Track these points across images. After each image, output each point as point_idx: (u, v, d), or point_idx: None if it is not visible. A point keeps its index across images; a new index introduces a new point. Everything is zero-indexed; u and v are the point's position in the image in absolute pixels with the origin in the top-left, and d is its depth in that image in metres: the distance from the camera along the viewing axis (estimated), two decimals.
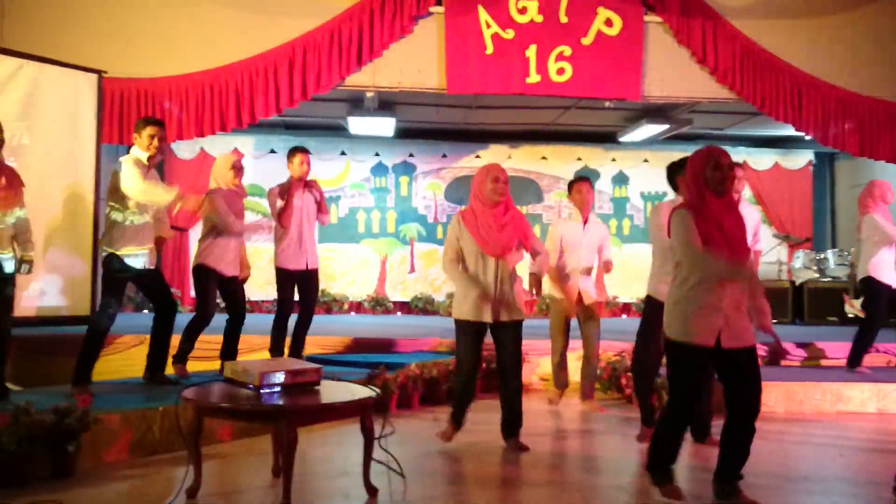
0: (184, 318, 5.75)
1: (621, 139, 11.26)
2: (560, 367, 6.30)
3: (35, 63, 6.32)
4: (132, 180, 4.99)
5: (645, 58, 8.10)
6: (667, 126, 10.04)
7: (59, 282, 6.39)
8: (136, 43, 7.49)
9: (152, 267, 5.30)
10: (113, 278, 5.11)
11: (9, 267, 4.81)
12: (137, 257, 5.14)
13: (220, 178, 5.75)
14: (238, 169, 5.77)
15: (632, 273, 11.57)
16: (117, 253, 5.07)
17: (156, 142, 5.16)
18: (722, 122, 10.82)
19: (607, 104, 8.79)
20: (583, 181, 6.31)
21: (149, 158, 5.19)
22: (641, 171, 12.01)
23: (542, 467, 4.51)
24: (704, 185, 3.55)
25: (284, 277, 6.16)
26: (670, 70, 8.16)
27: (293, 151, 6.23)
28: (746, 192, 8.68)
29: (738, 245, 3.54)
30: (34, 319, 6.24)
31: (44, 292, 6.31)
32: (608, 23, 7.99)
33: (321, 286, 11.06)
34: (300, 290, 6.27)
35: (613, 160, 12.00)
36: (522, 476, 4.34)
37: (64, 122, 6.46)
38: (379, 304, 11.40)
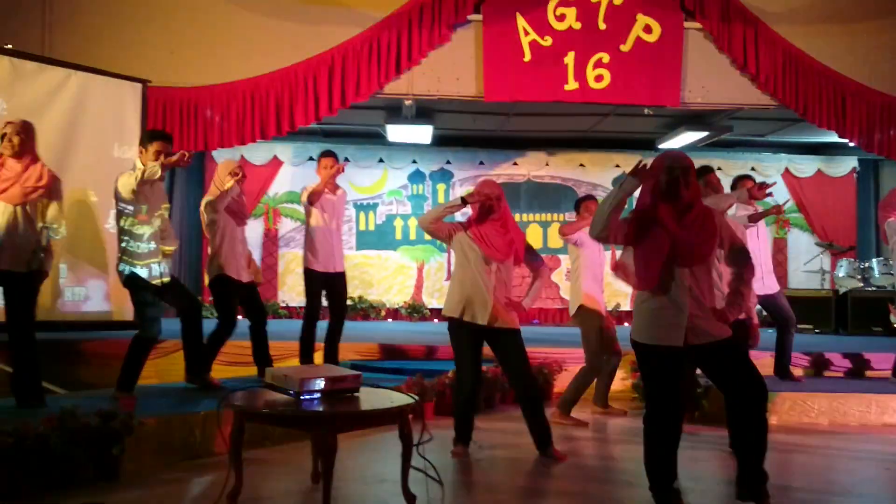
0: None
1: (660, 146, 11.17)
2: (586, 387, 6.05)
3: (82, 73, 6.48)
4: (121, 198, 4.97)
5: (684, 64, 8.04)
6: (706, 133, 9.95)
7: (104, 287, 6.51)
8: (179, 53, 7.64)
9: (166, 279, 5.21)
10: (137, 289, 5.09)
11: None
12: (148, 267, 5.08)
13: (219, 184, 5.65)
14: (235, 175, 5.59)
15: None
16: (128, 264, 5.05)
17: (162, 158, 4.93)
18: (763, 128, 10.69)
19: (646, 111, 8.74)
20: (587, 199, 6.21)
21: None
22: None
23: (579, 478, 4.48)
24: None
25: (312, 278, 6.20)
26: (710, 76, 8.10)
27: (320, 156, 6.30)
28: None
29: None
30: (79, 324, 6.35)
31: (88, 297, 6.43)
32: (647, 29, 7.95)
33: (358, 293, 11.23)
34: (328, 293, 6.29)
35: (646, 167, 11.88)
36: (558, 487, 4.31)
37: (110, 129, 6.61)
38: (416, 311, 11.43)
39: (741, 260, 3.68)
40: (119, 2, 7.63)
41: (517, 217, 11.66)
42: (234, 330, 5.74)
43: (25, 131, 4.68)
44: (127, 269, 5.02)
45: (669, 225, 3.51)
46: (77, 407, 4.08)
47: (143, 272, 5.05)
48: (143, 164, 4.96)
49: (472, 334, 4.71)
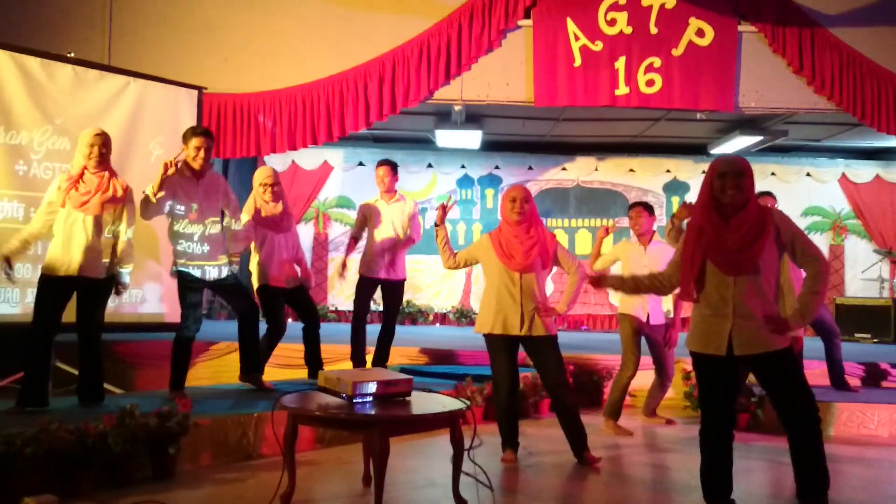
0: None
1: (712, 151, 11.01)
2: (624, 388, 5.94)
3: (141, 80, 6.62)
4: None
5: (738, 68, 7.92)
6: (761, 138, 9.78)
7: (159, 289, 6.64)
8: (233, 60, 7.78)
9: (226, 276, 5.30)
10: (186, 289, 5.18)
11: (122, 276, 4.99)
12: (206, 268, 5.19)
13: (256, 195, 5.77)
14: (267, 186, 5.69)
15: None
16: (185, 265, 5.14)
17: (202, 153, 5.05)
18: (819, 133, 10.48)
19: (699, 115, 8.62)
20: (633, 207, 6.14)
21: (196, 170, 5.12)
22: None
23: (624, 486, 4.44)
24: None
25: (362, 285, 6.26)
26: (765, 80, 7.96)
27: (377, 164, 6.39)
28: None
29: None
30: (135, 326, 6.49)
31: (144, 299, 6.56)
32: (700, 33, 7.85)
33: (406, 297, 11.26)
34: (383, 299, 6.37)
35: (704, 172, 11.67)
36: (603, 493, 4.28)
37: (166, 135, 6.73)
38: (464, 316, 11.44)
39: (808, 265, 3.46)
40: (177, 12, 7.81)
41: (565, 222, 11.62)
42: (281, 336, 5.85)
43: (108, 144, 4.83)
44: (174, 268, 5.16)
45: (710, 231, 3.46)
46: (135, 407, 4.17)
47: (194, 272, 5.15)
48: (187, 161, 5.11)
49: (506, 343, 4.73)
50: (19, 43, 6.18)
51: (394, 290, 6.38)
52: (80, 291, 4.82)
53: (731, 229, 3.43)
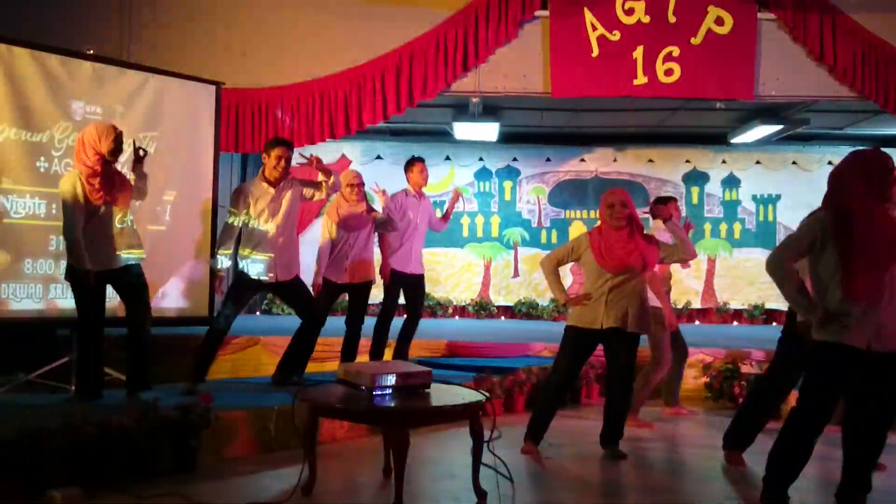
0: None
1: (732, 140, 10.91)
2: (655, 387, 5.98)
3: (159, 76, 6.65)
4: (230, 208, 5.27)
5: (758, 56, 7.84)
6: (781, 126, 9.67)
7: (180, 284, 6.68)
8: (250, 55, 7.81)
9: (286, 278, 5.41)
10: (236, 285, 5.32)
11: (132, 262, 5.03)
12: (257, 263, 5.29)
13: (344, 193, 5.96)
14: (354, 186, 5.93)
15: (743, 278, 11.24)
16: (243, 261, 5.26)
17: (283, 163, 5.30)
18: (841, 121, 10.35)
19: (718, 105, 8.55)
20: (672, 200, 6.09)
21: (276, 180, 5.35)
22: (753, 174, 11.61)
23: (646, 475, 4.43)
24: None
25: (393, 279, 6.28)
26: (785, 68, 7.88)
27: (413, 161, 6.47)
28: None
29: None
30: (156, 320, 6.52)
31: (165, 294, 6.61)
32: (719, 21, 7.78)
33: (426, 290, 11.28)
34: (407, 294, 6.38)
35: (724, 162, 11.66)
36: (625, 483, 4.28)
37: (185, 131, 6.77)
38: (483, 309, 11.44)
39: None
40: (194, 8, 7.84)
41: (584, 214, 11.58)
42: (320, 329, 5.88)
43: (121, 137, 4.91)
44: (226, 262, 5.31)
45: (888, 224, 3.35)
46: (157, 400, 4.21)
47: (257, 275, 5.28)
48: (266, 173, 5.34)
49: (583, 339, 4.72)
50: (39, 40, 6.23)
51: (421, 283, 6.47)
52: (114, 284, 4.89)
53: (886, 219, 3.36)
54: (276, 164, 5.31)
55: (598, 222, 4.85)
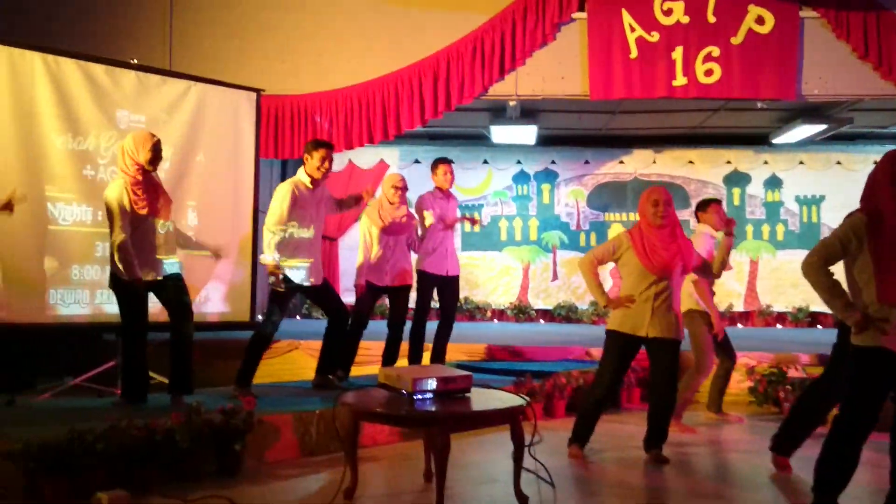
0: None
1: (774, 141, 10.75)
2: (696, 390, 5.90)
3: (201, 84, 6.75)
4: (273, 210, 5.26)
5: (800, 55, 7.72)
6: (825, 126, 9.50)
7: (222, 289, 6.77)
8: (290, 62, 7.90)
9: (319, 281, 5.48)
10: (278, 290, 5.37)
11: (175, 269, 5.11)
12: (300, 270, 5.36)
13: (382, 195, 6.01)
14: (398, 189, 5.95)
15: (786, 281, 11.05)
16: (285, 266, 5.31)
17: (326, 164, 5.38)
18: (886, 119, 10.13)
19: (759, 105, 8.42)
20: (716, 202, 5.99)
21: (316, 180, 5.41)
22: (796, 174, 11.41)
23: (689, 481, 4.37)
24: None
25: (425, 281, 6.29)
26: (828, 67, 7.74)
27: (437, 162, 6.38)
28: None
29: None
30: (198, 325, 6.60)
31: (208, 299, 6.70)
32: (760, 20, 7.67)
33: (464, 294, 11.28)
34: (440, 295, 6.38)
35: (766, 163, 11.47)
36: (668, 488, 4.22)
37: (226, 138, 6.86)
38: (521, 312, 11.40)
39: None
40: (234, 16, 7.95)
41: (624, 216, 11.48)
42: (362, 332, 5.98)
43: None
44: (279, 275, 5.29)
45: None
46: (201, 404, 4.26)
47: (297, 277, 5.33)
48: (309, 171, 5.37)
49: (627, 344, 4.67)
50: (84, 51, 6.37)
51: (456, 285, 6.44)
52: (157, 292, 4.98)
53: None
54: (319, 165, 5.36)
55: (638, 221, 4.78)
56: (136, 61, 6.63)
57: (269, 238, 5.21)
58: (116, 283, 4.83)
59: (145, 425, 3.94)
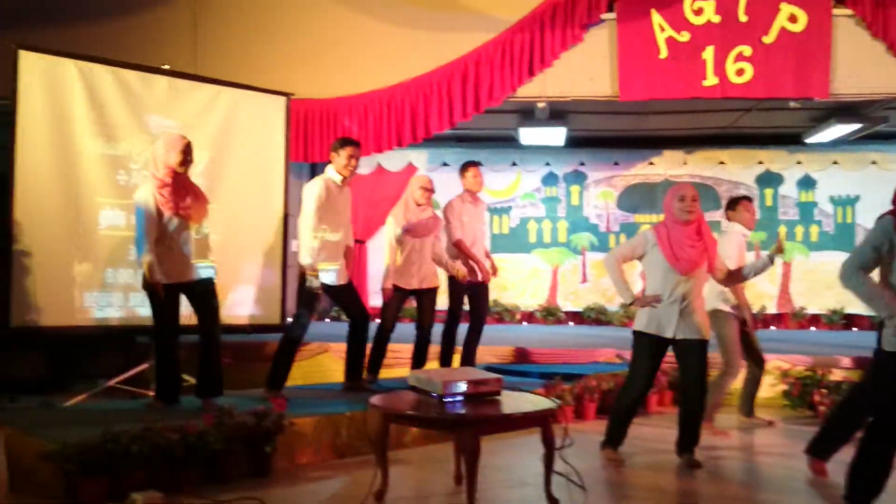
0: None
1: (807, 140, 10.59)
2: (725, 392, 5.82)
3: (231, 89, 6.81)
4: (308, 209, 5.27)
5: (834, 53, 7.59)
6: (859, 125, 9.35)
7: (253, 292, 6.82)
8: (318, 66, 7.93)
9: (345, 282, 5.52)
10: (306, 292, 5.40)
11: (208, 274, 5.16)
12: (329, 272, 5.38)
13: (412, 197, 6.01)
14: (426, 189, 5.98)
15: (821, 282, 10.88)
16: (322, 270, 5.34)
17: (354, 162, 5.41)
18: None
19: (792, 104, 8.31)
20: (747, 200, 5.92)
21: (344, 179, 5.46)
22: (830, 174, 11.23)
23: (721, 485, 4.33)
24: None
25: (456, 287, 6.28)
26: (863, 65, 7.60)
27: (466, 165, 6.38)
28: None
29: None
30: (230, 327, 6.67)
31: (240, 302, 6.75)
32: (792, 19, 7.57)
33: (493, 296, 11.23)
34: (471, 300, 6.37)
35: (799, 163, 11.31)
36: (700, 491, 4.18)
37: (256, 142, 6.91)
38: (550, 314, 11.35)
39: None
40: (261, 20, 8.00)
41: (654, 218, 11.39)
42: (390, 335, 5.98)
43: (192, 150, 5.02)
44: (313, 276, 5.33)
45: None
46: (233, 406, 4.30)
47: (326, 278, 5.37)
48: (337, 169, 5.39)
49: (656, 345, 4.63)
50: (117, 57, 6.45)
51: (485, 291, 6.44)
52: (188, 294, 5.03)
53: None
54: (346, 163, 5.39)
55: (663, 219, 4.72)
56: (167, 66, 6.71)
57: (309, 241, 5.23)
58: (148, 284, 4.90)
59: (179, 427, 3.98)
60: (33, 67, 5.81)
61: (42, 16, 7.76)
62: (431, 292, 6.11)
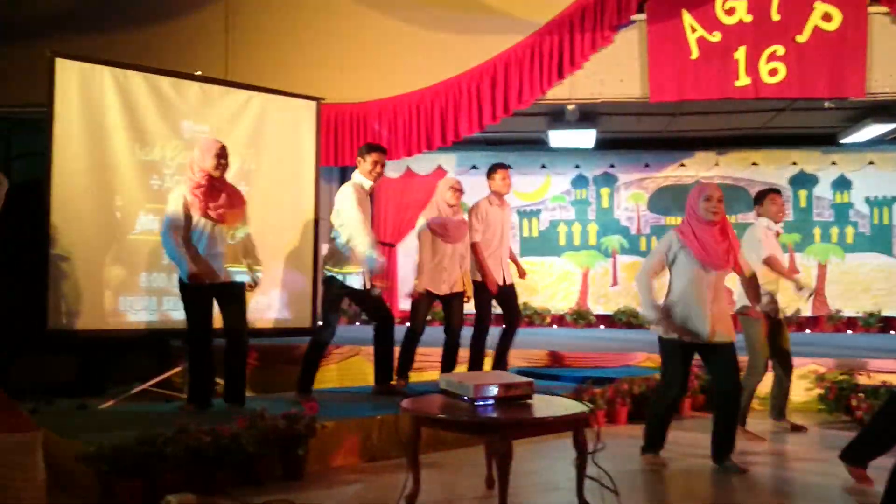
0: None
1: (842, 140, 10.44)
2: (753, 394, 5.72)
3: (262, 94, 6.86)
4: (351, 209, 5.31)
5: (869, 52, 7.48)
6: (895, 125, 9.21)
7: (284, 295, 6.85)
8: (348, 70, 7.96)
9: (369, 286, 5.54)
10: (333, 296, 5.42)
11: (241, 278, 5.22)
12: (356, 276, 5.41)
13: (440, 200, 5.99)
14: (456, 190, 5.98)
15: (858, 284, 10.71)
16: (340, 273, 5.37)
17: (379, 168, 5.44)
18: None
19: (826, 104, 8.20)
20: (775, 192, 5.83)
21: (372, 183, 5.50)
22: (866, 175, 11.05)
23: (757, 493, 4.26)
24: None
25: (483, 291, 6.25)
26: None
27: (494, 168, 6.36)
28: None
29: None
30: (261, 331, 6.73)
31: (270, 305, 6.79)
32: (826, 17, 7.47)
33: (523, 299, 11.20)
34: (501, 304, 6.35)
35: (833, 163, 11.14)
36: (736, 499, 4.12)
37: (287, 147, 6.95)
38: (581, 318, 11.29)
39: None
40: (291, 25, 8.06)
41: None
42: (418, 337, 5.97)
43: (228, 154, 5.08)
44: (328, 272, 5.42)
45: None
46: (265, 409, 4.33)
47: (351, 282, 5.40)
48: (362, 174, 5.43)
49: (685, 346, 4.57)
50: (150, 64, 6.53)
51: (513, 293, 6.40)
52: (218, 297, 5.07)
53: None
54: (371, 169, 5.42)
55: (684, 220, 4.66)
56: (199, 73, 6.78)
57: (365, 237, 5.25)
58: (182, 287, 4.95)
59: (212, 430, 4.01)
60: (69, 75, 5.90)
61: (77, 24, 7.88)
62: (459, 295, 6.10)
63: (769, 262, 5.48)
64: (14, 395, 4.82)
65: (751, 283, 4.89)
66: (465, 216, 6.21)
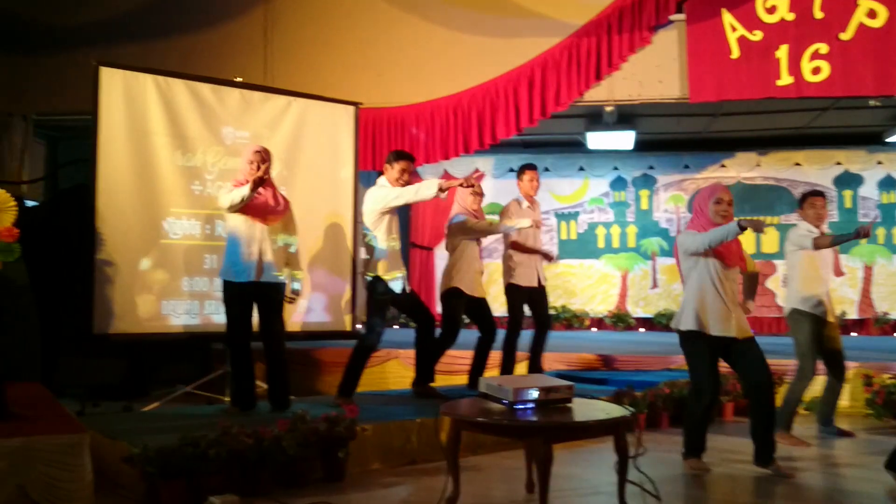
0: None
1: (889, 139, 10.23)
2: (800, 399, 5.60)
3: (301, 99, 6.92)
4: (385, 193, 5.38)
5: None
6: None
7: (323, 299, 6.90)
8: (385, 75, 8.02)
9: (409, 289, 5.58)
10: (378, 300, 5.45)
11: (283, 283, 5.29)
12: (398, 280, 5.44)
13: (462, 202, 6.03)
14: (478, 194, 6.01)
15: None
16: (382, 277, 5.40)
17: (406, 176, 5.43)
18: None
19: (871, 102, 8.05)
20: (818, 195, 5.73)
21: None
22: None
23: (802, 499, 4.18)
24: None
25: (515, 293, 6.24)
26: None
27: (523, 168, 6.35)
28: None
29: None
30: (301, 334, 6.78)
31: (310, 309, 6.84)
32: (871, 14, 7.33)
33: (561, 302, 11.19)
34: (533, 306, 6.31)
35: (879, 163, 10.93)
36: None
37: (326, 151, 7.00)
38: (620, 321, 11.21)
39: None
40: (330, 31, 8.14)
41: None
42: (455, 341, 5.95)
43: (267, 159, 5.16)
44: (370, 276, 5.45)
45: None
46: (306, 412, 4.36)
47: (393, 286, 5.43)
48: (388, 180, 5.45)
49: (711, 341, 4.50)
50: (191, 71, 6.63)
51: (544, 294, 6.37)
52: (258, 299, 5.13)
53: None
54: (398, 176, 5.42)
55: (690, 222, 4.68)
56: (240, 79, 6.86)
57: (419, 186, 5.27)
58: (224, 289, 5.06)
59: (254, 432, 4.05)
60: (113, 83, 6.01)
61: (121, 33, 8.05)
62: (483, 299, 6.10)
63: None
64: (60, 397, 4.95)
65: (752, 280, 4.92)
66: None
